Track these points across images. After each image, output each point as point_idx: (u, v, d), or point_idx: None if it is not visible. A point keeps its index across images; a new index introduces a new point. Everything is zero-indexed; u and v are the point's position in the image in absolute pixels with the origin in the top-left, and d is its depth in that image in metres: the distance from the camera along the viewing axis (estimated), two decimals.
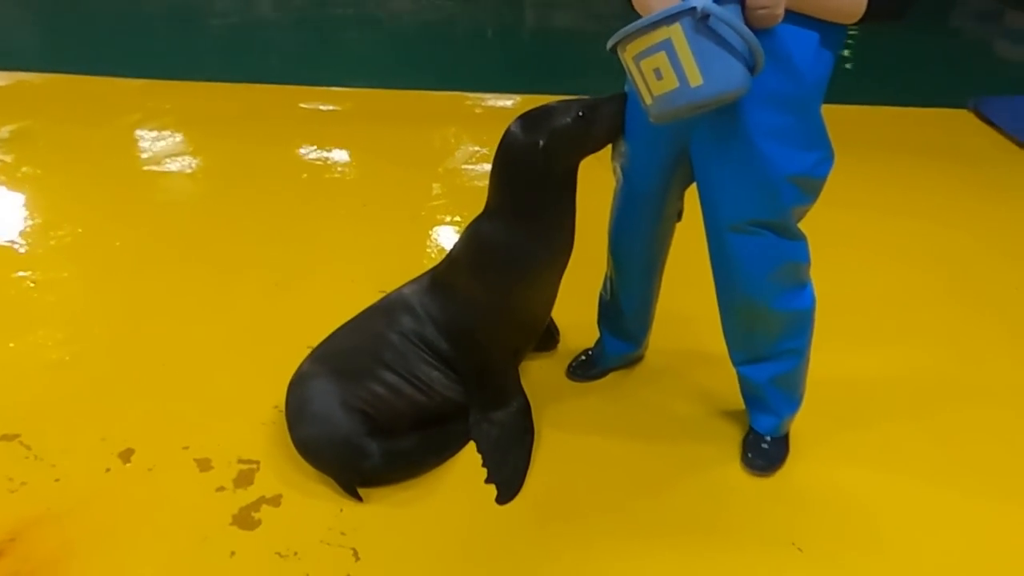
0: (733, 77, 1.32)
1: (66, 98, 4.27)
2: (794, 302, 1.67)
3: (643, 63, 1.35)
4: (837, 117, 1.64)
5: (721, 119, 1.48)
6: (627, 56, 1.38)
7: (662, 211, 1.79)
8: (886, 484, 1.83)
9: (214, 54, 5.26)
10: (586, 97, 1.70)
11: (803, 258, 1.64)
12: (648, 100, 1.40)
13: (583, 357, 2.15)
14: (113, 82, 4.51)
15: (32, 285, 2.52)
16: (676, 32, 1.29)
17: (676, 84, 1.33)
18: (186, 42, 5.57)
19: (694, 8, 1.27)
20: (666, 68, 1.32)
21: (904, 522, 1.73)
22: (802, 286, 1.68)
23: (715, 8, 1.28)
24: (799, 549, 1.65)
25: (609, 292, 2.01)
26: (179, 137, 3.77)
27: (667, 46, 1.31)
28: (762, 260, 1.59)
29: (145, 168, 3.44)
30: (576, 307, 2.14)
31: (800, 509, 1.75)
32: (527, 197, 1.73)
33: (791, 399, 1.83)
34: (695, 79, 1.31)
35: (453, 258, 1.89)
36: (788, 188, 1.52)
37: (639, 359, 2.17)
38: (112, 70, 4.62)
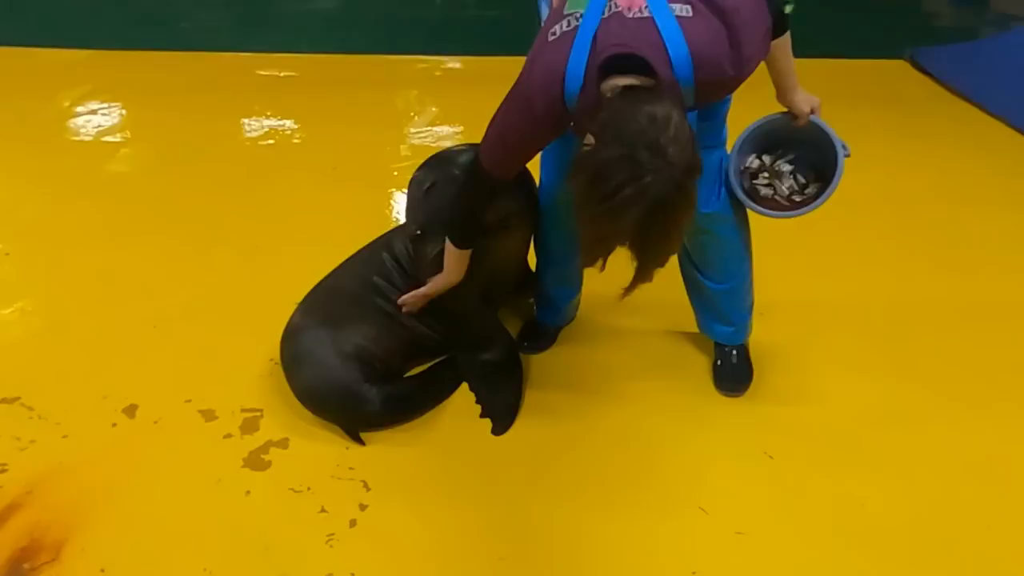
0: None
1: (9, 72, 4.14)
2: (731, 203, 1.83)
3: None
4: None
5: None
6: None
7: None
8: (843, 394, 2.02)
9: (159, 22, 5.12)
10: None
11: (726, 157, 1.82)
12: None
13: (527, 331, 2.19)
14: (57, 53, 4.38)
15: (6, 256, 2.51)
16: None
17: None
18: (130, 8, 5.39)
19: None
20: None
21: (861, 425, 1.92)
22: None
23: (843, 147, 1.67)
24: (770, 457, 1.82)
25: (557, 241, 2.02)
26: (135, 108, 3.72)
27: None
28: (716, 171, 1.76)
29: (104, 139, 3.39)
30: None
31: (769, 422, 1.92)
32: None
33: (744, 308, 2.01)
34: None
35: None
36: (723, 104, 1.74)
37: (576, 309, 2.24)
38: (53, 41, 4.48)
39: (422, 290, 1.90)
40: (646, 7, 1.38)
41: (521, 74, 1.50)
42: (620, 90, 1.34)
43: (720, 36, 1.38)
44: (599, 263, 1.35)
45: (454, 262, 1.81)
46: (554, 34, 1.44)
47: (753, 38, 1.43)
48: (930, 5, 5.87)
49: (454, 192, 1.74)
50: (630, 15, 1.38)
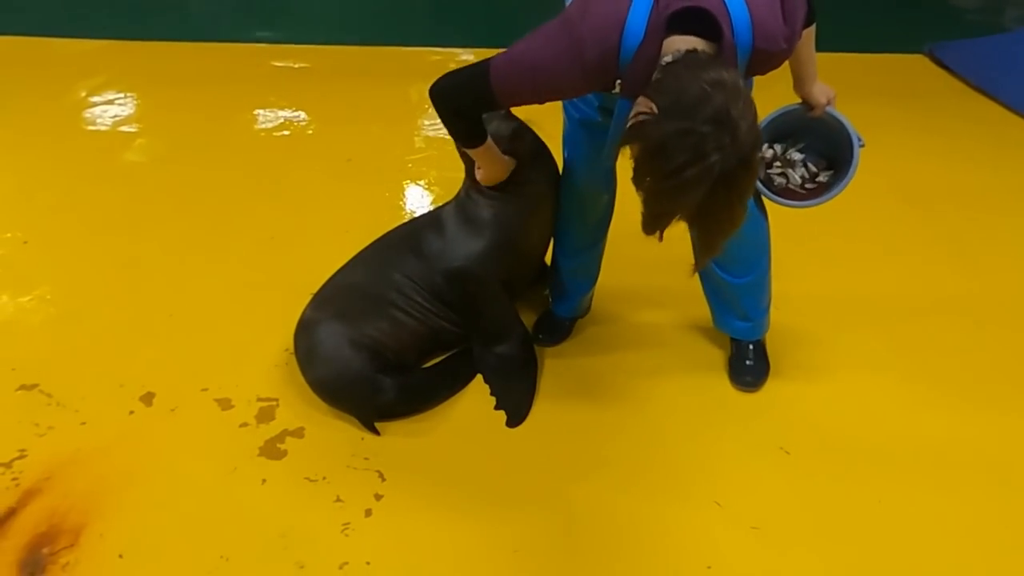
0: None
1: (26, 62, 4.16)
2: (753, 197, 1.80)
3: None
4: None
5: None
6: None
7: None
8: (859, 389, 2.01)
9: (175, 12, 5.13)
10: None
11: None
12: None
13: (542, 323, 2.18)
14: (73, 43, 4.39)
15: (24, 244, 2.53)
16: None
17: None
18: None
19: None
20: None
21: (876, 420, 1.91)
22: None
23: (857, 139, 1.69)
24: (786, 452, 1.82)
25: (577, 231, 2.02)
26: (150, 98, 3.72)
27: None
28: None
29: (120, 129, 3.40)
30: None
31: (785, 417, 1.91)
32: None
33: (762, 303, 2.00)
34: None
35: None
36: None
37: (591, 302, 2.23)
38: (69, 31, 4.49)
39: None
40: None
41: (569, 15, 1.40)
42: (682, 54, 1.26)
43: (775, 6, 1.37)
44: (658, 235, 1.27)
45: (481, 160, 1.76)
46: None
47: (798, 16, 1.43)
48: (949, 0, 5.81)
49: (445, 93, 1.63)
50: None
